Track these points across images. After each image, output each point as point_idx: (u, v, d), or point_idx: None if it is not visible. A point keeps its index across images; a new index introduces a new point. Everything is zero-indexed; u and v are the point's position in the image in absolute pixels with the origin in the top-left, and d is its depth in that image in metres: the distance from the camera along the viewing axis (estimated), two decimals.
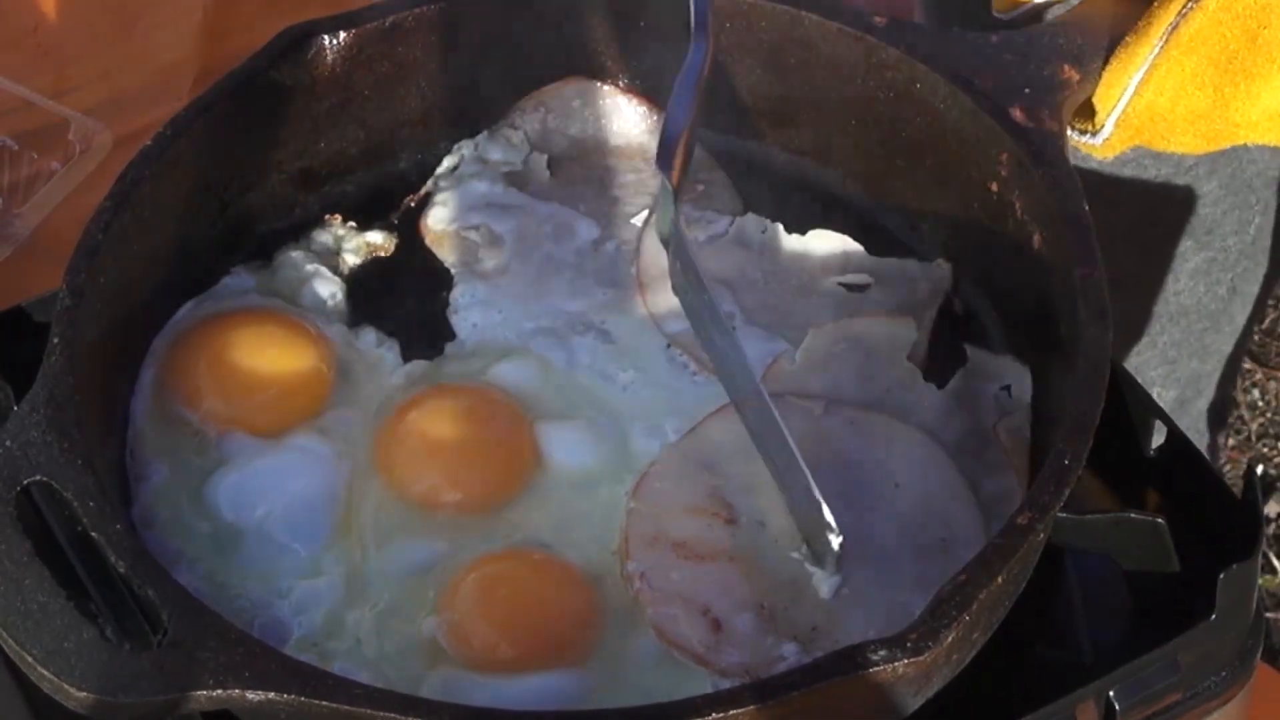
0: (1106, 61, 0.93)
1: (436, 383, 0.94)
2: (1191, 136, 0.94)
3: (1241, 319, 1.61)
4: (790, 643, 0.83)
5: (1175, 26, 0.90)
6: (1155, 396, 1.55)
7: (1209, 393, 1.68)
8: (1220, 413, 1.77)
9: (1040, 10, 0.96)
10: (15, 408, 0.83)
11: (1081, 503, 0.89)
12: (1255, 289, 1.59)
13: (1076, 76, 0.93)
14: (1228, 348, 1.64)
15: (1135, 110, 0.93)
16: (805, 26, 0.99)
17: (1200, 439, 1.71)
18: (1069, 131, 0.95)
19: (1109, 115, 0.93)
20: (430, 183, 1.04)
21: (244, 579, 0.87)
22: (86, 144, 1.24)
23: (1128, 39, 0.92)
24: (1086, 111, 0.95)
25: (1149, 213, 0.98)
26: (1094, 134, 0.94)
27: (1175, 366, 1.61)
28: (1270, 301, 2.36)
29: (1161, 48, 0.90)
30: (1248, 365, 2.32)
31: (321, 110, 1.00)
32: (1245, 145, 0.96)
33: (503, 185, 1.04)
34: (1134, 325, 1.52)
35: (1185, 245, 1.49)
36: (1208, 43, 0.90)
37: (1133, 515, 0.89)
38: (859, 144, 1.02)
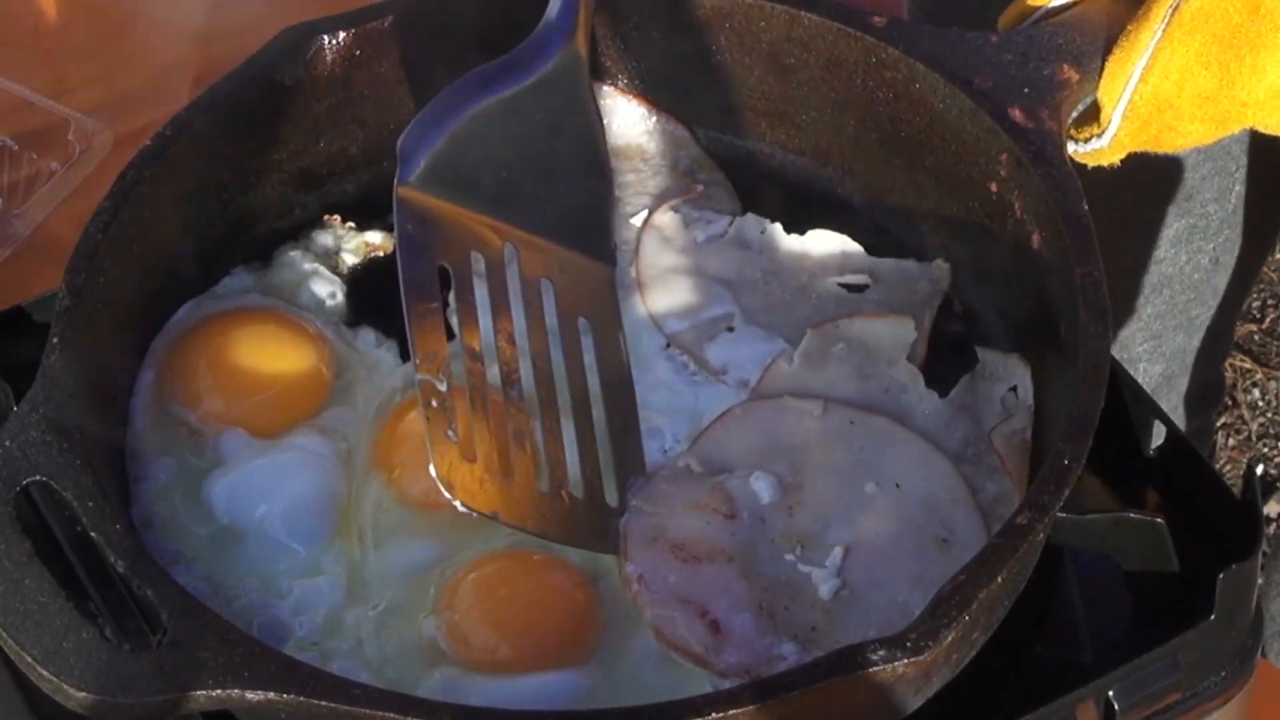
0: (1108, 54, 0.92)
1: None
2: (1200, 122, 0.93)
3: (1226, 292, 1.60)
4: (790, 643, 0.83)
5: (1176, 7, 0.90)
6: (1141, 372, 1.54)
7: (1195, 369, 1.68)
8: (1210, 395, 1.76)
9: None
10: (15, 408, 0.83)
11: (1081, 503, 0.89)
12: (1238, 260, 1.58)
13: (1076, 76, 0.93)
14: (1213, 322, 1.63)
15: (1142, 98, 0.92)
16: (805, 26, 0.99)
17: (1184, 418, 1.71)
18: (1073, 144, 0.94)
19: (1115, 107, 0.92)
20: None
21: (243, 579, 0.87)
22: (86, 144, 1.24)
23: (1129, 26, 0.91)
24: (1090, 116, 0.94)
25: (1125, 175, 0.97)
26: (1100, 134, 0.94)
27: (1161, 341, 1.60)
28: (1271, 301, 2.36)
29: (1164, 30, 0.90)
30: (1248, 365, 2.32)
31: (321, 110, 1.00)
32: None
33: None
34: (1116, 295, 1.51)
35: (1164, 211, 1.48)
36: (1210, 19, 0.90)
37: (1132, 515, 0.89)
38: (859, 144, 1.02)
